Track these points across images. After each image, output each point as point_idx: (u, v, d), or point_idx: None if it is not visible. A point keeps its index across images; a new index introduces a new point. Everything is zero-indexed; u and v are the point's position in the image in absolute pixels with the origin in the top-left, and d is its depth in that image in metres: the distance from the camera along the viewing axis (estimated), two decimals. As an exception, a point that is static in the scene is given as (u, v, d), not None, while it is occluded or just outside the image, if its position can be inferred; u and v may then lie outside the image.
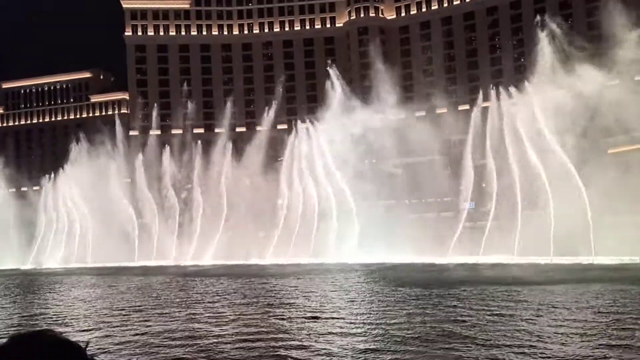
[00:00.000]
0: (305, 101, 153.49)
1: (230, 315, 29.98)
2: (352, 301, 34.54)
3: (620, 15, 68.41)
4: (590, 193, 61.79)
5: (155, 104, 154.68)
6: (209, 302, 36.32)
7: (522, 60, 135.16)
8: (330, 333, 23.43)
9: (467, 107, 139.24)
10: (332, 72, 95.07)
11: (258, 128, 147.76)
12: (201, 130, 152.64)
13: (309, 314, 28.74)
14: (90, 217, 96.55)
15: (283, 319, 27.43)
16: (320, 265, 67.81)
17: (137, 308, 34.73)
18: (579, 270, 50.39)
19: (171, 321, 28.63)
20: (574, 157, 63.76)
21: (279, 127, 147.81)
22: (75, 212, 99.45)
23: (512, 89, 76.07)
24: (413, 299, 33.90)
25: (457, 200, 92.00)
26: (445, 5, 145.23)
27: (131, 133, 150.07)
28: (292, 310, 30.80)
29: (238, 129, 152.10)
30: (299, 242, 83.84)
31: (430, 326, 24.19)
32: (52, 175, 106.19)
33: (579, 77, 64.88)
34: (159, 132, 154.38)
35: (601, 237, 59.17)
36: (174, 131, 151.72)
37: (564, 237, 60.13)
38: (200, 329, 26.22)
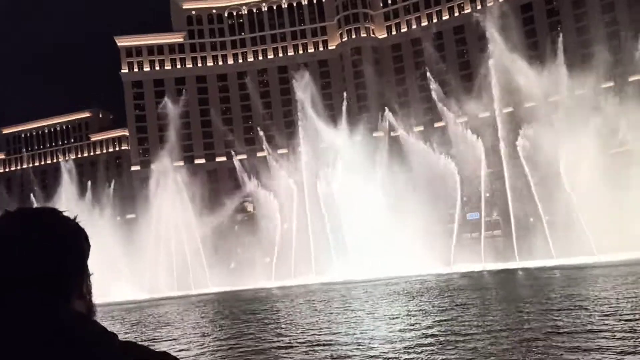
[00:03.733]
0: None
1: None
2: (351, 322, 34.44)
3: None
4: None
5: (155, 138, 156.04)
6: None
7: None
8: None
9: (465, 119, 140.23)
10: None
11: (258, 154, 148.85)
12: (202, 161, 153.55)
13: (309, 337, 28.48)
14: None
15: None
16: (326, 285, 67.55)
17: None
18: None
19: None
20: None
21: (280, 151, 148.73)
22: None
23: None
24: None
25: (463, 212, 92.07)
26: (435, 20, 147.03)
27: (132, 168, 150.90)
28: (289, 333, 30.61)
29: (239, 157, 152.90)
30: (301, 262, 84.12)
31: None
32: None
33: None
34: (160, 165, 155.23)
35: None
36: (175, 163, 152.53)
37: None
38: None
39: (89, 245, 1.65)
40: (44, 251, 1.55)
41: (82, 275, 1.61)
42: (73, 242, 1.60)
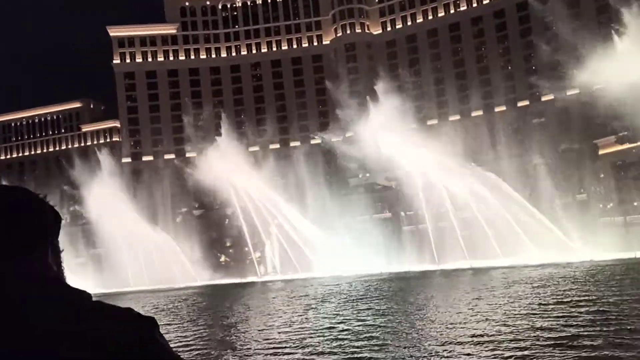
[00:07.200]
0: (296, 119, 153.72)
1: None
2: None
3: None
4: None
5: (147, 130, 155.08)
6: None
7: (510, 68, 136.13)
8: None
9: (457, 117, 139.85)
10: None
11: (250, 149, 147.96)
12: (194, 154, 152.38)
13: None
14: None
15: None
16: (313, 280, 67.04)
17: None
18: None
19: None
20: None
21: (271, 146, 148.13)
22: None
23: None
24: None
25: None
26: (430, 17, 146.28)
27: (123, 160, 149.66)
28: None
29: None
30: (296, 258, 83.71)
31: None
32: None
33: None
34: (151, 157, 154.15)
35: None
36: (166, 156, 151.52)
37: None
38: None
39: (56, 222, 1.81)
40: (13, 222, 1.69)
41: (45, 247, 1.76)
42: (38, 217, 1.76)
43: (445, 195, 78.22)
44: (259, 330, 27.33)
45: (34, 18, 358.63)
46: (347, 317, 28.67)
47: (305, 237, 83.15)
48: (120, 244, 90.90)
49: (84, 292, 1.65)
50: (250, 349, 21.89)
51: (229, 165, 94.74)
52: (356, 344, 20.86)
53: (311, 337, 22.98)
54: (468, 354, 17.54)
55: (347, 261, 77.02)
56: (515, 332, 20.83)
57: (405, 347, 19.16)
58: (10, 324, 1.50)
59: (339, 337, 22.57)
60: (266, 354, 20.28)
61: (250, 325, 29.81)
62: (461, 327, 22.53)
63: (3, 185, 1.76)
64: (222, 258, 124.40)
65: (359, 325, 25.25)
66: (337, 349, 19.85)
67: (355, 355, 18.47)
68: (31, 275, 1.63)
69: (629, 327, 19.96)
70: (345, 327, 24.92)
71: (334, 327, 25.33)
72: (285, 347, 21.07)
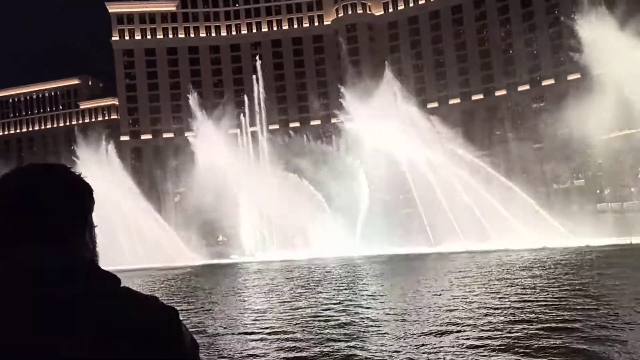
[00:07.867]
0: (296, 100, 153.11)
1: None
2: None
3: None
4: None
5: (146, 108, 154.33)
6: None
7: (511, 52, 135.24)
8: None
9: (457, 100, 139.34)
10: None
11: (251, 129, 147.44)
12: (193, 133, 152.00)
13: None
14: None
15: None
16: (318, 260, 67.34)
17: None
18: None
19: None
20: None
21: (271, 127, 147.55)
22: None
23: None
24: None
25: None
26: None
27: (122, 138, 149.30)
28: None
29: (230, 131, 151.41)
30: (294, 238, 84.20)
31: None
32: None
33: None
34: (150, 136, 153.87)
35: None
36: (165, 135, 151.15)
37: None
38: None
39: (92, 199, 1.76)
40: (53, 203, 1.66)
41: (84, 225, 1.72)
42: (78, 195, 1.72)
43: (439, 179, 78.25)
44: (246, 315, 27.17)
45: (34, 18, 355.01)
46: (338, 302, 28.67)
47: (302, 218, 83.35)
48: (116, 222, 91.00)
49: (113, 277, 1.62)
50: (228, 334, 21.75)
51: (227, 145, 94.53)
52: (344, 331, 20.79)
53: (295, 324, 22.81)
54: (456, 342, 17.59)
55: (345, 243, 77.48)
56: (507, 317, 20.92)
57: (393, 338, 19.17)
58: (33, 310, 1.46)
59: (324, 325, 22.46)
60: (245, 340, 20.20)
61: (238, 308, 29.70)
62: (452, 313, 22.57)
63: (41, 163, 1.71)
64: (220, 237, 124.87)
65: (349, 312, 25.22)
66: (324, 338, 19.81)
67: (341, 346, 18.41)
68: (62, 264, 1.58)
69: (617, 313, 20.08)
70: (332, 314, 24.82)
71: (321, 313, 25.24)
72: (265, 335, 20.95)
